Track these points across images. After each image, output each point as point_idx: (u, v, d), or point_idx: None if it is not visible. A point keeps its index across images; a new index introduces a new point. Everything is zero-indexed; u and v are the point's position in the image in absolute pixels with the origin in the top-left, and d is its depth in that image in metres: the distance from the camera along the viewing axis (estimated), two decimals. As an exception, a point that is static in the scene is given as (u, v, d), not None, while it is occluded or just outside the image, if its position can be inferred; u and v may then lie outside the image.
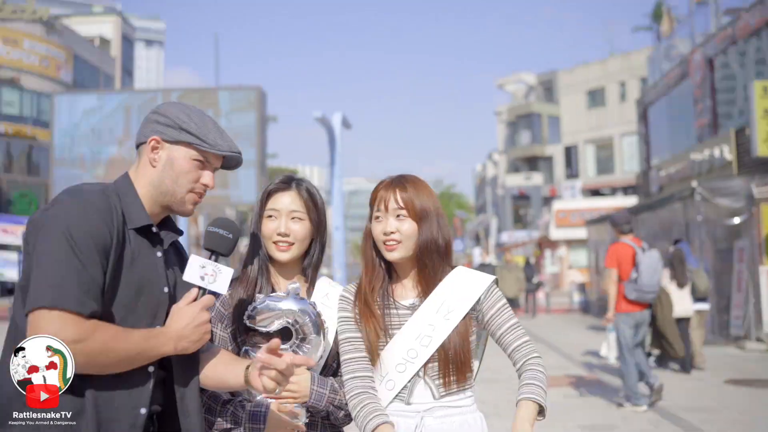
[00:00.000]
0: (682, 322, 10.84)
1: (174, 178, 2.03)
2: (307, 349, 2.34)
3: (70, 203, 1.84)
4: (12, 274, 20.80)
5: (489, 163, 63.73)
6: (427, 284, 2.37)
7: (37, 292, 1.73)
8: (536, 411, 2.17)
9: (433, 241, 2.35)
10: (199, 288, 2.01)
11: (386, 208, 2.34)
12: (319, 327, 2.35)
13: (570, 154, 43.83)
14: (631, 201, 30.52)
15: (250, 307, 2.34)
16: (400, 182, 2.38)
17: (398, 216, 2.34)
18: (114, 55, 51.39)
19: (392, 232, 2.33)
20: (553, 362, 12.59)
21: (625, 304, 8.32)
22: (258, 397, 2.34)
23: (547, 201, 45.40)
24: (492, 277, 2.42)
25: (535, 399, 2.17)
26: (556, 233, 35.23)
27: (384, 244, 2.35)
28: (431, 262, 2.35)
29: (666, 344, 10.01)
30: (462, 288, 2.36)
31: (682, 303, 10.77)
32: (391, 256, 2.36)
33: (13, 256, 20.79)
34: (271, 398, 2.29)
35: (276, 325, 2.34)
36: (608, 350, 11.79)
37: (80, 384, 1.79)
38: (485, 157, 67.53)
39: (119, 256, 1.87)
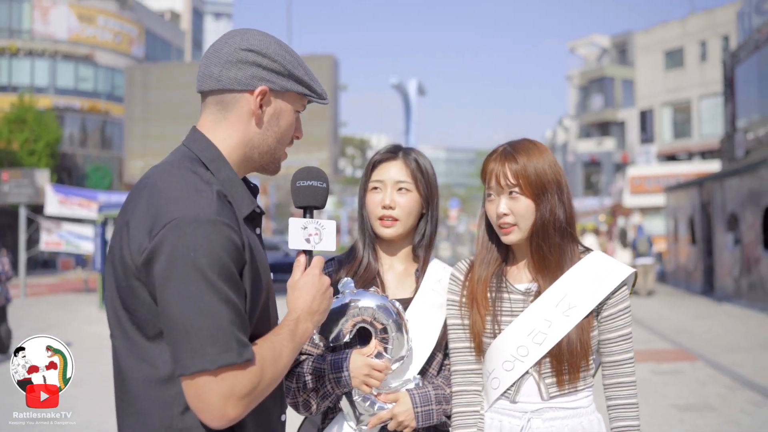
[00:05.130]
0: None
1: (279, 135, 1.67)
2: (389, 350, 2.11)
3: (188, 221, 1.42)
4: (87, 247, 21.28)
5: (559, 128, 62.41)
6: (543, 266, 2.07)
7: (187, 351, 1.39)
8: None
9: (551, 218, 2.04)
10: (305, 252, 1.73)
11: (498, 184, 2.04)
12: (401, 324, 2.10)
13: (645, 118, 42.23)
14: (711, 166, 29.17)
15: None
16: (510, 153, 2.05)
17: (511, 193, 2.03)
18: (184, 29, 52.05)
19: (505, 214, 2.04)
20: (635, 335, 12.16)
21: None
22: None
23: (619, 167, 44.09)
24: (630, 271, 2.10)
25: None
26: (630, 200, 34.04)
27: (499, 227, 2.07)
28: (548, 242, 2.05)
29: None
30: (590, 280, 2.05)
31: (623, 257, 20.63)
32: (507, 239, 2.07)
33: (88, 230, 21.30)
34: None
35: (348, 328, 2.11)
36: None
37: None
38: (555, 123, 66.18)
39: (246, 260, 1.53)
